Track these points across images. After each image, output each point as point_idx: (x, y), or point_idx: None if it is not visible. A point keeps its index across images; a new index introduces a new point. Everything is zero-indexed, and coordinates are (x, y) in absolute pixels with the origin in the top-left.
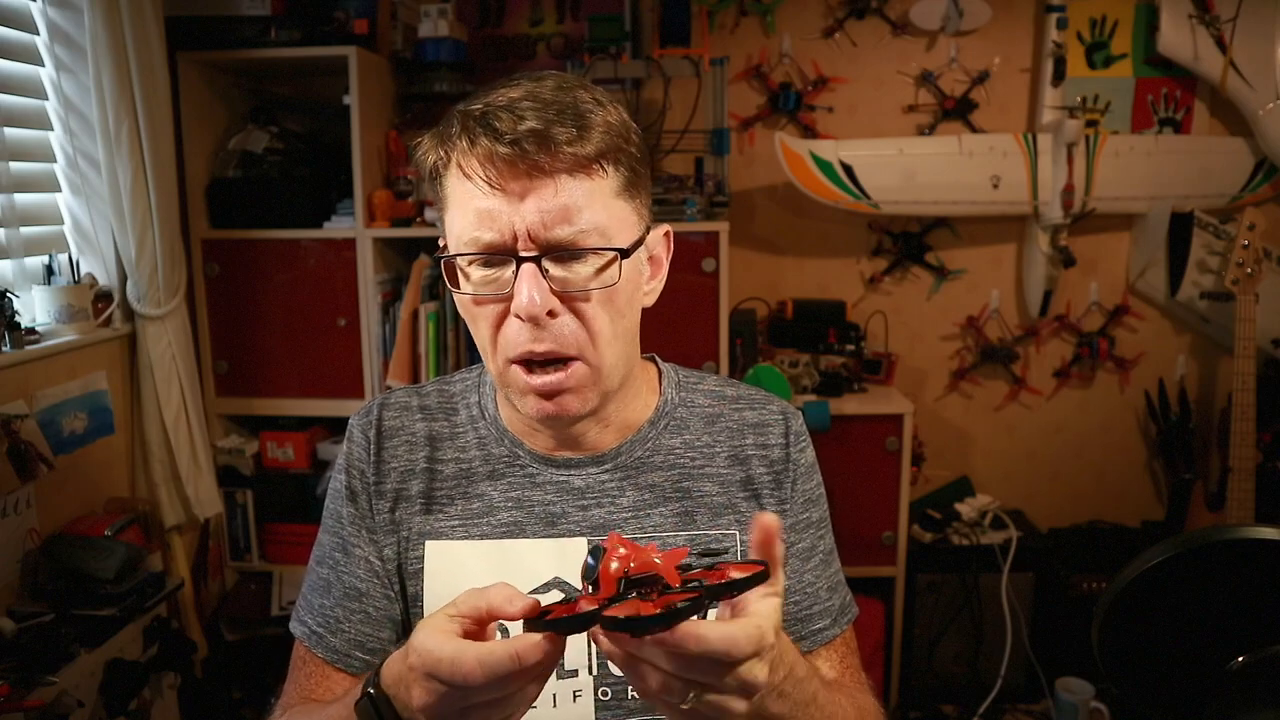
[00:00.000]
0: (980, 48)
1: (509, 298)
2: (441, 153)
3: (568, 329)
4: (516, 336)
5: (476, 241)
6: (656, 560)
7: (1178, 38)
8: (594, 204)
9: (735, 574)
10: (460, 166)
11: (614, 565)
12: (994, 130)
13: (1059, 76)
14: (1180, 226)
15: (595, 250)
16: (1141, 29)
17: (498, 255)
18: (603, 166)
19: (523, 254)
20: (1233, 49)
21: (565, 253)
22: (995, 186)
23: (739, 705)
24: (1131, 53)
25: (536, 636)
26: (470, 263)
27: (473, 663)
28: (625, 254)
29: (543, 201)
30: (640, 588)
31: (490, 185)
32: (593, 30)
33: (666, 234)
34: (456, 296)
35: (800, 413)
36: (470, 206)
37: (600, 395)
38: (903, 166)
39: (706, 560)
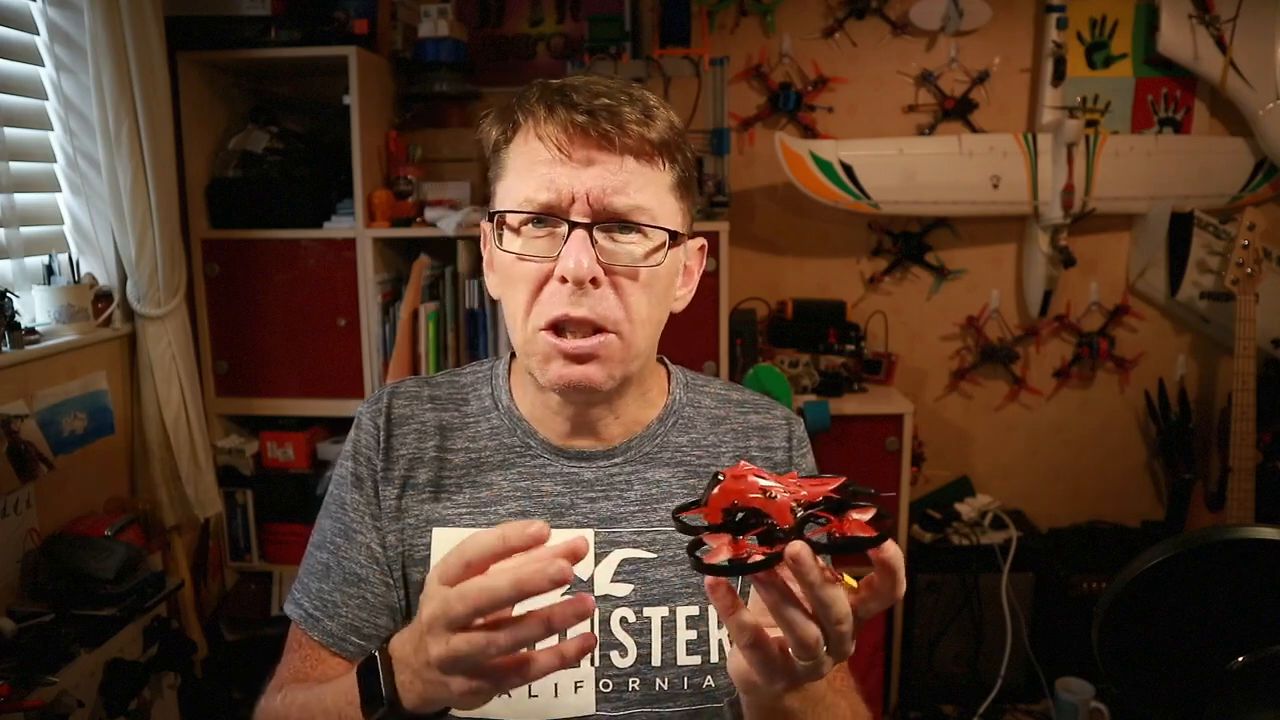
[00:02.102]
0: (980, 48)
1: (554, 261)
2: (511, 122)
3: (607, 301)
4: (553, 301)
5: (532, 201)
6: (773, 495)
7: (1178, 38)
8: (650, 189)
9: (858, 531)
10: (534, 132)
11: (748, 487)
12: (994, 130)
13: (1059, 76)
14: (1180, 226)
15: (647, 227)
16: (1141, 29)
17: (551, 216)
18: (663, 158)
19: (575, 219)
20: (1233, 49)
21: (617, 225)
22: (995, 186)
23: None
24: (1131, 53)
25: (520, 522)
26: (521, 224)
27: (468, 544)
28: (674, 238)
29: (606, 173)
30: (751, 520)
31: (560, 150)
32: (593, 30)
33: (701, 247)
34: (498, 256)
35: (802, 419)
36: (534, 171)
37: (623, 376)
38: (903, 166)
39: (858, 499)
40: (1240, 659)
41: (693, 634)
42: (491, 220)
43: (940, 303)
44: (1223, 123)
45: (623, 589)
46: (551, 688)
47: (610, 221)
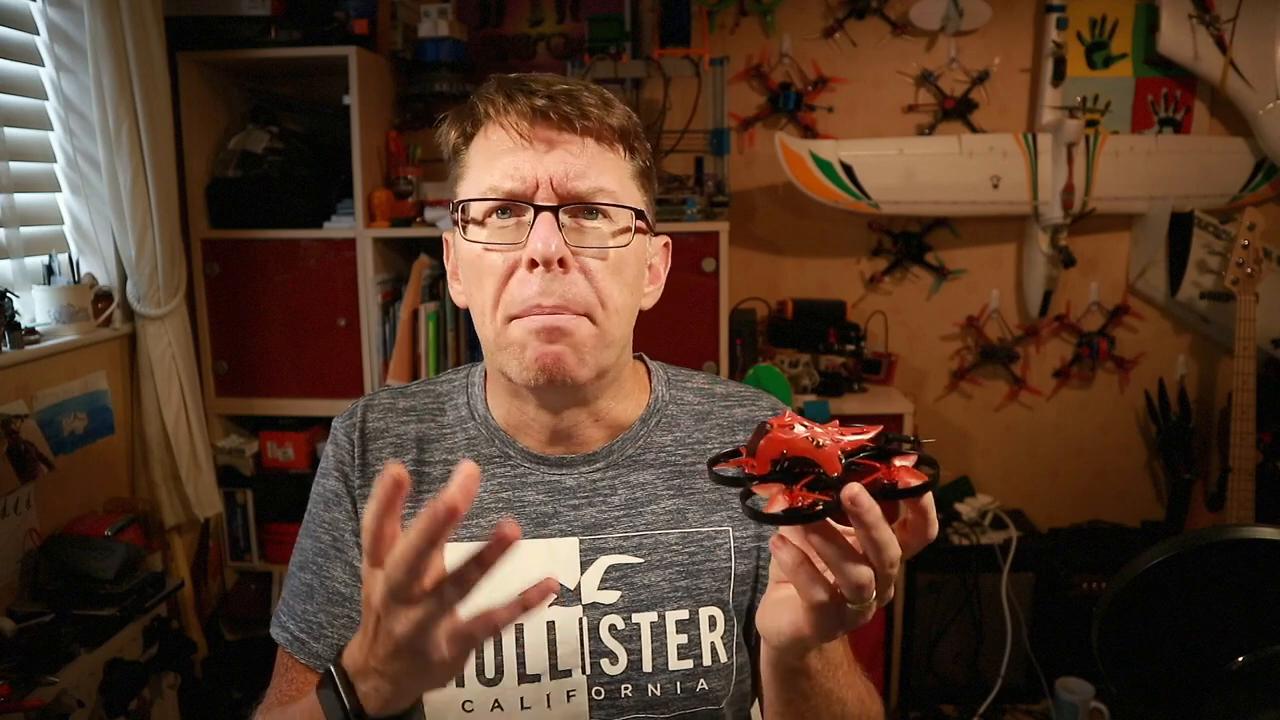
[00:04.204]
0: (980, 48)
1: (521, 248)
2: (471, 120)
3: (577, 285)
4: (523, 289)
5: (496, 190)
6: (821, 444)
7: (1178, 38)
8: (612, 173)
9: (906, 478)
10: (495, 123)
11: (792, 435)
12: (994, 130)
13: (1059, 76)
14: (1180, 226)
15: (611, 207)
16: (1141, 29)
17: (516, 203)
18: (623, 145)
19: (540, 203)
20: (1233, 49)
21: (582, 206)
22: (995, 186)
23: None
24: (1131, 53)
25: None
26: (486, 215)
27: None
28: (640, 215)
29: (568, 156)
30: (797, 469)
31: (521, 137)
32: (593, 30)
33: (666, 245)
34: (464, 249)
35: (789, 410)
36: (496, 162)
37: (597, 366)
38: (903, 166)
39: (896, 446)
40: (1240, 659)
41: (683, 638)
42: (454, 217)
43: (940, 303)
44: (1223, 123)
45: (610, 596)
46: (544, 698)
47: (575, 204)
